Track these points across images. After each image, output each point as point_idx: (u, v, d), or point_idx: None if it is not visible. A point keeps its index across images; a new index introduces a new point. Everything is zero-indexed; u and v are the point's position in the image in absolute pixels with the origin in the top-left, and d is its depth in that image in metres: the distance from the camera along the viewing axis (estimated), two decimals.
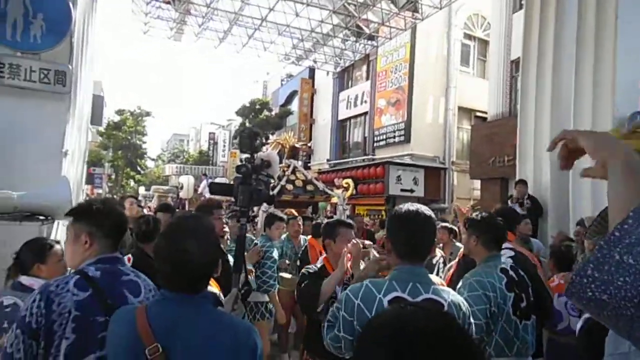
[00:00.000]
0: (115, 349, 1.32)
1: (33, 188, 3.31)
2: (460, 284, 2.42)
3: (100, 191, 30.40)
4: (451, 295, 1.67)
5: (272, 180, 1.90)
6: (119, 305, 1.55)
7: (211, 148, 39.52)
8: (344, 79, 19.18)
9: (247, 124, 22.45)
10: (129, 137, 31.78)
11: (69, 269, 1.93)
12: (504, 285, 2.33)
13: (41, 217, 3.23)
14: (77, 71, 4.23)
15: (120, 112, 32.16)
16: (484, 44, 15.60)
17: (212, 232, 1.46)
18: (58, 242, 2.42)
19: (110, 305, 1.54)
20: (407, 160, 14.29)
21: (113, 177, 33.22)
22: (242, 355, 1.31)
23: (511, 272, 2.43)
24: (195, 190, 15.61)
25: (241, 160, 1.85)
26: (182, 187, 15.30)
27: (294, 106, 22.53)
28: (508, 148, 10.20)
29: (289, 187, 7.21)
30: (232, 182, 1.90)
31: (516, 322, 2.33)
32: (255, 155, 1.81)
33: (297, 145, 7.77)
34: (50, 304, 1.44)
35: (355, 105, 18.13)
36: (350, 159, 17.78)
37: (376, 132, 16.43)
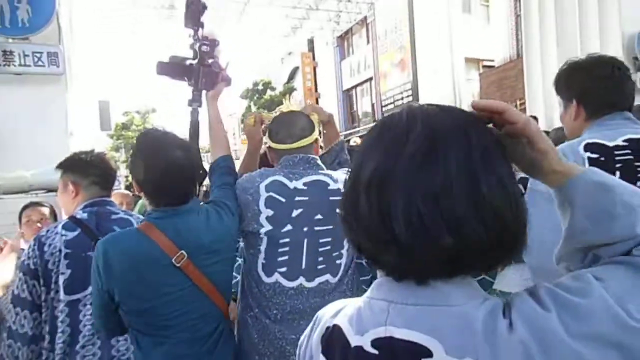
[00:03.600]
0: (130, 270, 1.32)
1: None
2: None
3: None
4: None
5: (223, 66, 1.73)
6: None
7: None
8: (344, 47, 18.86)
9: (253, 107, 22.39)
10: None
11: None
12: None
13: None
14: (69, 51, 4.27)
15: (126, 113, 32.49)
16: None
17: (186, 142, 1.50)
18: (44, 205, 2.60)
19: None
20: None
21: (130, 177, 33.68)
22: (232, 236, 1.51)
23: None
24: None
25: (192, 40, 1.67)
26: None
27: (298, 83, 22.36)
28: (519, 91, 9.93)
29: None
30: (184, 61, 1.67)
31: None
32: (201, 31, 1.66)
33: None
34: (42, 246, 1.60)
35: (359, 72, 17.85)
36: (361, 128, 17.62)
37: (383, 97, 16.19)
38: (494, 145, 0.57)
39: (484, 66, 14.81)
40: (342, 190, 0.63)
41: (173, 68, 1.67)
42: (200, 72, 1.63)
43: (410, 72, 14.78)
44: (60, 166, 1.80)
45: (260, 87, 22.51)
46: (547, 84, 6.72)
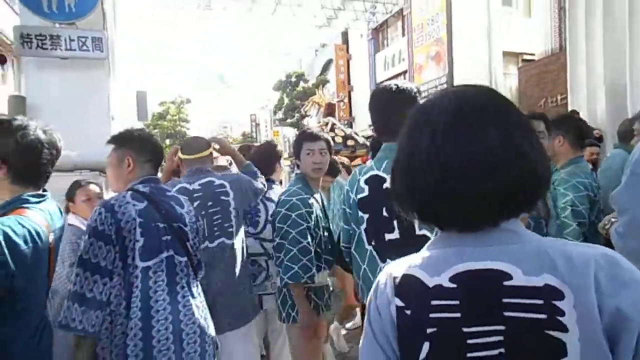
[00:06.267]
0: (34, 253, 1.30)
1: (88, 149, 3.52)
2: (559, 183, 2.36)
3: None
4: None
5: None
6: (171, 214, 1.76)
7: (254, 129, 40.03)
8: (378, 39, 18.62)
9: (285, 99, 22.48)
10: (174, 127, 32.92)
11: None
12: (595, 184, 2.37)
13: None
14: (112, 38, 4.39)
15: (162, 103, 33.29)
16: None
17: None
18: (95, 184, 2.64)
19: (164, 213, 1.74)
20: None
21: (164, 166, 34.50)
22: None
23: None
24: None
25: None
26: (231, 164, 15.84)
27: (331, 75, 22.23)
28: (560, 85, 9.53)
29: None
30: None
31: None
32: None
33: (332, 102, 7.68)
34: (115, 214, 1.63)
35: (393, 65, 17.59)
36: None
37: None
38: (505, 113, 0.69)
39: (523, 60, 14.30)
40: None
41: None
42: None
43: (446, 66, 14.45)
44: (116, 141, 1.83)
45: (293, 79, 22.54)
46: (591, 77, 6.41)
